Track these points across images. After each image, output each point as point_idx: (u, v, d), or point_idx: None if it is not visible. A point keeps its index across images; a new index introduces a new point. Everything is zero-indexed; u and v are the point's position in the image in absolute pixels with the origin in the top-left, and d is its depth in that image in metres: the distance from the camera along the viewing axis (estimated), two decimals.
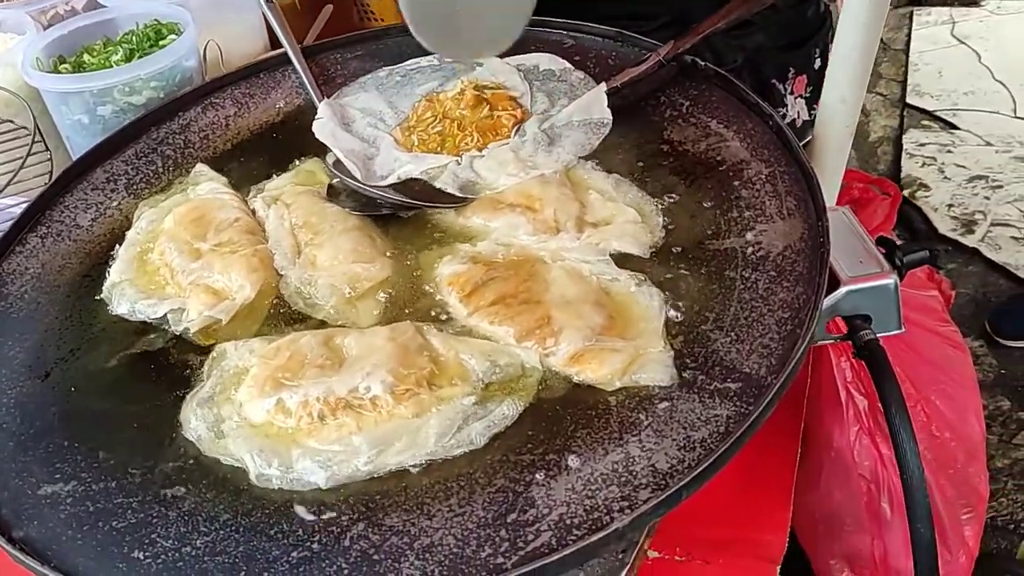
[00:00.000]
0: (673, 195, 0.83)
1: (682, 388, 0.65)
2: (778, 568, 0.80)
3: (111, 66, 1.12)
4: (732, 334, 0.68)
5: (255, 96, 1.06)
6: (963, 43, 3.48)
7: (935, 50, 3.45)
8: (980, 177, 2.78)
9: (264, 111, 1.05)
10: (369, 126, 0.98)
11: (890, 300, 0.80)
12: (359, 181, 0.89)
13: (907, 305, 1.30)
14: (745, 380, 0.65)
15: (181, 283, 0.80)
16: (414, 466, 0.64)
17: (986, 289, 2.41)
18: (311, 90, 1.03)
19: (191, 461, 0.67)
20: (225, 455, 0.66)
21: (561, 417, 0.65)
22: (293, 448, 0.65)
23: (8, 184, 1.01)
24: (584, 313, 0.71)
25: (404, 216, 0.86)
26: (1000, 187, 2.73)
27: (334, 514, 0.61)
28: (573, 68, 1.01)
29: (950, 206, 2.68)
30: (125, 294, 0.81)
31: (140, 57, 1.12)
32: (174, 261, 0.82)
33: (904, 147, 2.96)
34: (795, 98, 1.32)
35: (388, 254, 0.82)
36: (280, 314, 0.79)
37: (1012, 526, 1.85)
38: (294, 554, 0.59)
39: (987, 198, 2.69)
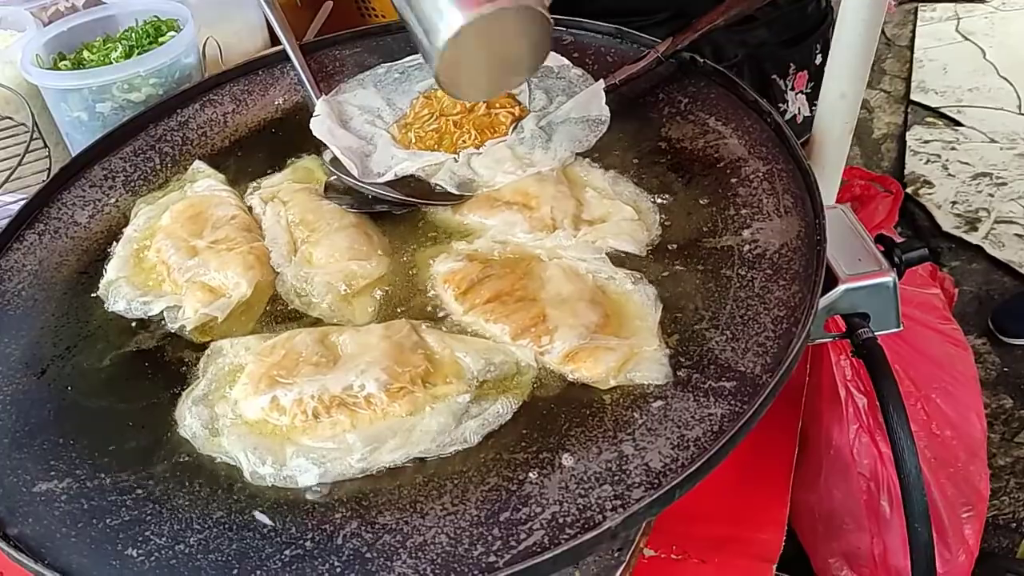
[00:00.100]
0: (670, 192, 0.83)
1: (677, 387, 0.65)
2: (774, 567, 0.80)
3: (110, 63, 1.12)
4: (727, 332, 0.68)
5: (253, 93, 1.06)
6: (968, 39, 3.46)
7: (940, 46, 3.44)
8: (984, 174, 2.77)
9: (262, 108, 1.05)
10: (367, 123, 0.97)
11: (889, 298, 0.79)
12: (356, 178, 0.89)
13: (908, 303, 1.31)
14: (740, 379, 0.64)
15: (177, 280, 0.80)
16: (408, 464, 0.64)
17: (989, 287, 2.40)
18: (309, 87, 1.02)
19: (186, 459, 0.67)
20: (220, 453, 0.67)
21: (555, 415, 0.65)
22: (287, 446, 0.65)
23: (6, 181, 1.01)
24: (579, 311, 0.71)
25: (400, 213, 0.86)
26: (1004, 184, 2.71)
27: (327, 512, 0.61)
28: (572, 65, 1.01)
29: (954, 203, 2.67)
30: (121, 291, 0.81)
31: (139, 54, 1.13)
32: (170, 258, 0.82)
33: (908, 144, 2.94)
34: (796, 94, 1.31)
35: (384, 251, 0.82)
36: (276, 311, 0.79)
37: (1014, 524, 1.84)
38: (287, 552, 0.59)
39: (991, 195, 2.68)
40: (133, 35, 1.17)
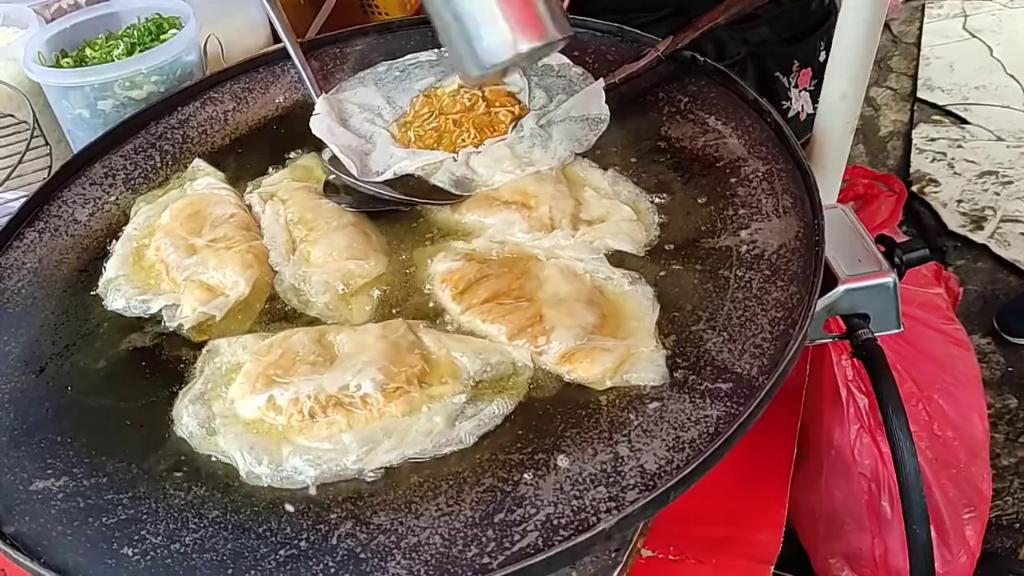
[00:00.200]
0: (669, 192, 0.83)
1: (673, 388, 0.65)
2: (772, 568, 0.80)
3: (112, 60, 1.12)
4: (725, 333, 0.68)
5: (254, 91, 1.06)
6: (975, 37, 3.44)
7: (947, 44, 3.42)
8: (990, 172, 2.75)
9: (263, 106, 1.05)
10: (366, 121, 0.97)
11: (889, 299, 0.79)
12: (355, 177, 0.89)
13: (911, 302, 1.30)
14: (736, 380, 0.64)
15: (176, 279, 0.80)
16: (403, 465, 0.64)
17: (995, 286, 2.39)
18: (309, 85, 1.02)
19: (182, 458, 0.67)
20: (216, 452, 0.67)
21: (551, 416, 0.65)
22: (283, 445, 0.65)
23: (7, 178, 1.01)
24: (576, 312, 0.71)
25: (399, 211, 0.86)
26: (1010, 183, 2.70)
27: (322, 512, 0.61)
28: (572, 64, 1.00)
29: (960, 202, 2.65)
30: (120, 290, 0.81)
31: (141, 51, 1.13)
32: (169, 257, 0.82)
33: (914, 142, 2.93)
34: (799, 91, 1.30)
35: (382, 250, 0.82)
36: (274, 310, 0.79)
37: (1017, 525, 1.83)
38: (282, 552, 0.59)
39: (997, 194, 2.66)
40: (135, 32, 1.17)
